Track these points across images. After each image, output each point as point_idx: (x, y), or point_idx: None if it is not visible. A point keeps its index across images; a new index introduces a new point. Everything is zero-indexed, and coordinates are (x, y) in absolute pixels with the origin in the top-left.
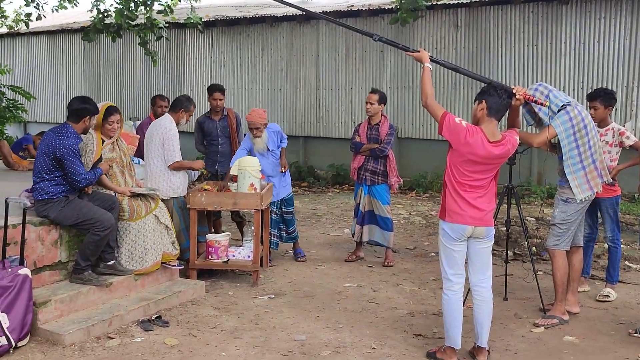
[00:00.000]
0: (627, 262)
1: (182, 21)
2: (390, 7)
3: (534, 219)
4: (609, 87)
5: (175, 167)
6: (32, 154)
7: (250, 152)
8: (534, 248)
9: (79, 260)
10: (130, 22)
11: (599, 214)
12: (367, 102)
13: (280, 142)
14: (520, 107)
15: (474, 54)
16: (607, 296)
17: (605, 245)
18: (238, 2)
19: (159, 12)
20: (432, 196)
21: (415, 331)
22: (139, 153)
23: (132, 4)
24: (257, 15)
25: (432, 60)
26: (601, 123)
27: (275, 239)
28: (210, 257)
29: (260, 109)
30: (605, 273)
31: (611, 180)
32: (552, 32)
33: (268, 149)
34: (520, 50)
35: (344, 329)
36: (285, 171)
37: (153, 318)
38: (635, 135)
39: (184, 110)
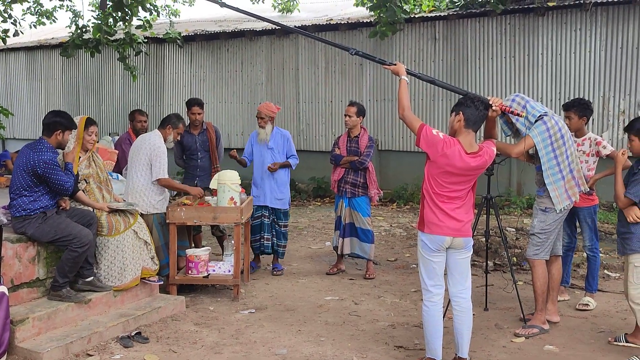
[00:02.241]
0: (606, 271)
1: (161, 36)
2: (369, 21)
3: (514, 230)
4: (586, 98)
5: (164, 185)
6: (10, 170)
7: (253, 146)
8: (514, 258)
9: (57, 277)
10: (109, 38)
11: (577, 223)
12: (345, 115)
13: (288, 155)
14: (498, 118)
15: (452, 66)
16: (587, 305)
17: (585, 254)
18: (217, 17)
19: (138, 27)
20: (413, 208)
21: (397, 343)
22: (118, 168)
23: (111, 19)
24: (236, 30)
25: (408, 73)
26: (578, 133)
27: (266, 242)
28: (190, 272)
29: (272, 103)
30: (584, 282)
31: (589, 190)
32: (529, 44)
33: (268, 146)
34: (498, 62)
35: (325, 342)
36: (274, 170)
37: (133, 334)
38: (612, 145)
39: (171, 127)
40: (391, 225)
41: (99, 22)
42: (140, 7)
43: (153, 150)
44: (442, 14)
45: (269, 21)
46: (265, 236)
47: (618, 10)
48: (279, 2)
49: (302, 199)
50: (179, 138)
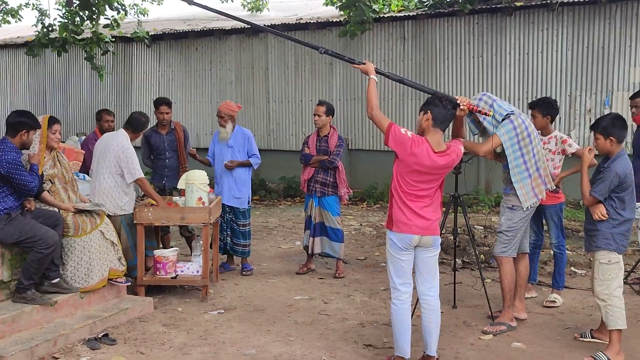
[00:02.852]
0: (572, 268)
1: (129, 35)
2: (338, 20)
3: (482, 228)
4: (553, 97)
5: (140, 185)
6: None
7: (215, 145)
8: (482, 256)
9: (22, 279)
10: (76, 37)
11: (544, 221)
12: (315, 114)
13: (250, 155)
14: (465, 116)
15: (421, 66)
16: (554, 302)
17: (551, 252)
18: (186, 16)
19: (105, 26)
20: (383, 207)
21: (366, 342)
22: (84, 169)
23: (78, 18)
24: (205, 29)
25: (377, 72)
26: (543, 131)
27: (220, 243)
28: (158, 273)
29: (232, 102)
30: (551, 279)
31: (555, 188)
32: (496, 43)
33: (228, 145)
34: (466, 61)
35: (294, 342)
36: (231, 167)
37: (100, 336)
38: (579, 143)
39: (142, 130)
40: (361, 224)
41: (66, 20)
42: (107, 6)
43: (122, 151)
44: (411, 13)
45: (237, 19)
46: (219, 237)
47: (584, 11)
48: (249, 1)
49: (273, 198)
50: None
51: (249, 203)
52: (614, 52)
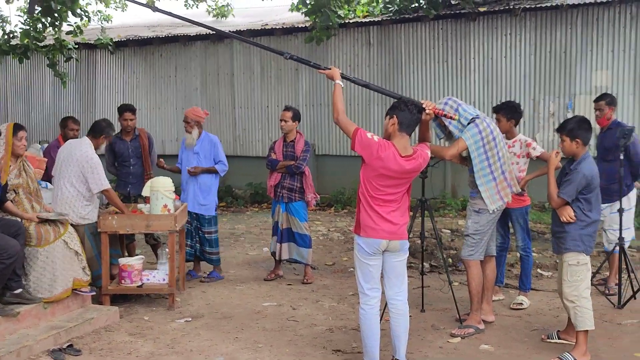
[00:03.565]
0: (539, 270)
1: (92, 42)
2: (304, 26)
3: (449, 231)
4: (517, 101)
5: (107, 196)
6: None
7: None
8: (449, 259)
9: None
10: (38, 43)
11: (510, 224)
12: (281, 120)
13: (216, 161)
14: (431, 121)
15: (387, 71)
16: (521, 304)
17: (518, 254)
18: (150, 22)
19: (68, 33)
20: (351, 212)
21: (335, 347)
22: (46, 177)
23: (40, 25)
24: (169, 35)
25: (343, 77)
26: (508, 135)
27: (189, 249)
28: (123, 281)
29: (199, 108)
30: (518, 281)
31: (520, 191)
32: (461, 48)
33: (194, 151)
34: (431, 66)
35: (263, 349)
36: (194, 174)
37: (64, 347)
38: (543, 146)
39: (105, 136)
40: (329, 230)
41: (28, 27)
42: (70, 13)
43: (86, 161)
44: (376, 19)
45: (202, 25)
46: (187, 242)
47: (546, 16)
48: (214, 7)
49: (239, 205)
50: (106, 143)
51: (215, 210)
52: (576, 56)
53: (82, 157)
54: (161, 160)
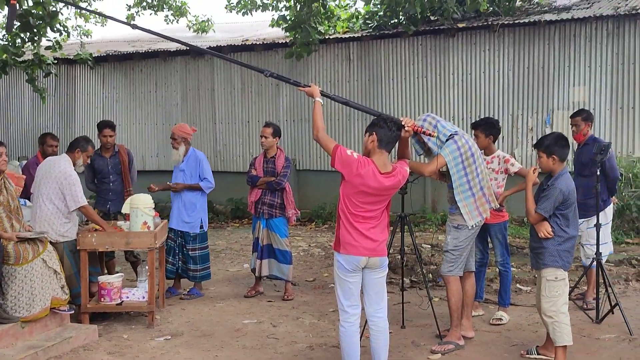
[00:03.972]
0: (518, 285)
1: (71, 57)
2: (284, 42)
3: (429, 246)
4: (495, 116)
5: (84, 213)
6: None
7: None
8: (429, 275)
9: None
10: (17, 59)
11: (489, 239)
12: (261, 136)
13: (201, 178)
14: (410, 137)
15: (367, 87)
16: (500, 319)
17: (497, 270)
18: (130, 37)
19: (47, 48)
20: (331, 227)
21: None
22: (25, 194)
23: (19, 40)
24: (150, 50)
25: (323, 94)
26: (486, 151)
27: (169, 265)
28: (102, 299)
29: (187, 125)
30: (497, 297)
31: (498, 206)
32: (440, 64)
33: (180, 168)
34: (411, 81)
35: None
36: (176, 190)
37: None
38: (522, 161)
39: (80, 150)
40: (309, 245)
41: (6, 43)
42: (48, 28)
43: (64, 178)
44: (356, 35)
45: (182, 43)
46: (169, 260)
47: (524, 32)
48: (194, 22)
49: (220, 220)
50: (88, 162)
51: (201, 228)
52: (554, 72)
53: (61, 173)
54: (152, 185)
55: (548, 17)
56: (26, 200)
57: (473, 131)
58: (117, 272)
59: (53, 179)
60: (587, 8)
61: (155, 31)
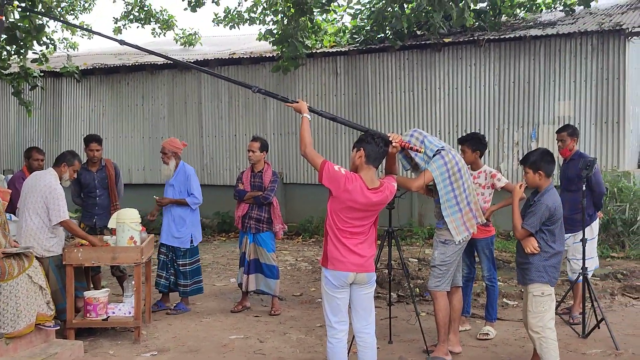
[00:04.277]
0: (504, 299)
1: (58, 70)
2: (271, 55)
3: (416, 260)
4: (481, 131)
5: (66, 228)
6: None
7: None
8: (416, 289)
9: None
10: (3, 71)
11: (475, 254)
12: (249, 150)
13: (189, 193)
14: (397, 152)
15: (354, 101)
16: (487, 334)
17: (484, 284)
18: (117, 50)
19: (34, 60)
20: (318, 241)
21: None
22: (11, 208)
23: (4, 53)
24: (136, 63)
25: (310, 110)
26: (473, 166)
27: (163, 280)
28: (88, 315)
29: (177, 139)
30: (484, 311)
31: (485, 221)
32: (426, 79)
33: (169, 183)
34: (397, 95)
35: None
36: (162, 204)
37: None
38: (507, 175)
39: (66, 164)
40: (296, 260)
41: None
42: (35, 41)
43: (49, 191)
44: (343, 49)
45: (170, 59)
46: (162, 274)
47: (509, 47)
48: (181, 35)
49: (207, 234)
50: (75, 176)
51: (191, 243)
52: (539, 86)
53: (46, 187)
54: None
55: (533, 32)
56: (12, 215)
57: (460, 146)
58: (103, 287)
59: (38, 193)
60: (572, 24)
61: (144, 47)
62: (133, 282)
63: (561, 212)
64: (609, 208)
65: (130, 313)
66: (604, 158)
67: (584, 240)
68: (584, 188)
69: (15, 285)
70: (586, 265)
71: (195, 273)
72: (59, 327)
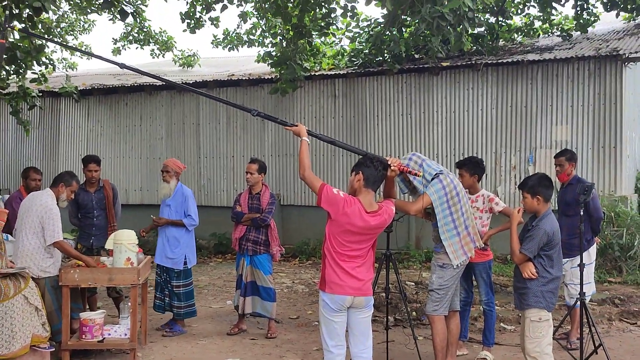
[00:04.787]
0: (502, 324)
1: (56, 90)
2: (270, 77)
3: (414, 284)
4: (479, 154)
5: (59, 249)
6: None
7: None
8: (414, 313)
9: None
10: (1, 91)
11: (473, 278)
12: (247, 172)
13: (186, 214)
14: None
15: (352, 123)
16: (485, 359)
17: (481, 308)
18: (116, 70)
19: (33, 80)
20: (315, 263)
21: None
22: (8, 229)
23: (3, 72)
24: (135, 84)
25: (309, 134)
26: (471, 190)
27: (159, 301)
28: (84, 336)
29: (179, 161)
30: (482, 336)
31: (483, 245)
32: (424, 102)
33: (166, 203)
34: (395, 119)
35: None
36: (158, 224)
37: None
38: (505, 199)
39: (64, 184)
40: (293, 282)
41: None
42: (34, 61)
43: (45, 211)
44: (342, 72)
45: (170, 83)
46: (157, 295)
47: (507, 71)
48: (180, 56)
49: (203, 255)
50: (72, 197)
51: (185, 264)
52: (537, 110)
53: (42, 207)
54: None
55: (531, 57)
56: (8, 235)
57: (458, 170)
58: (99, 308)
59: (35, 213)
60: (569, 49)
61: (145, 71)
62: (129, 304)
63: (559, 237)
64: (606, 233)
65: (126, 335)
66: (601, 183)
67: (581, 265)
68: (581, 213)
69: (11, 306)
70: (584, 291)
71: (188, 296)
72: (54, 349)
